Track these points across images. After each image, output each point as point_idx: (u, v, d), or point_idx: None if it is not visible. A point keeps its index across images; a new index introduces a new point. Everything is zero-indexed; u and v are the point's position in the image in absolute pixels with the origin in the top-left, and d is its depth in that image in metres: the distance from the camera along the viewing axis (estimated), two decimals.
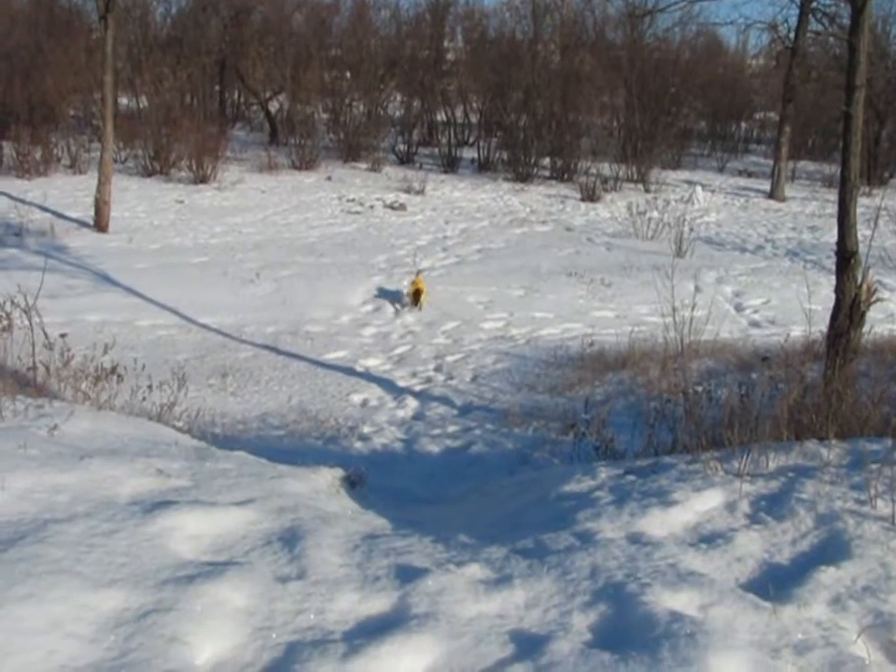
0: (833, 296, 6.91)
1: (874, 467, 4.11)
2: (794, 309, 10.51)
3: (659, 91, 24.66)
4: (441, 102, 26.81)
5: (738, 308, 13.30)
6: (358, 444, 8.13)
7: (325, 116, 26.47)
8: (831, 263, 14.65)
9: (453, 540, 3.80)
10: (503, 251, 16.52)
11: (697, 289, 12.21)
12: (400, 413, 9.16)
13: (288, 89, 26.11)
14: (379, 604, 3.09)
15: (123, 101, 24.40)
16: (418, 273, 13.68)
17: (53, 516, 3.35)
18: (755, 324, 12.55)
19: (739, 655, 2.73)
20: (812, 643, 2.92)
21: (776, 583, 3.23)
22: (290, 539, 3.48)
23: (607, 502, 4.12)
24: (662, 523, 3.82)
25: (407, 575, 3.26)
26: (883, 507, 3.86)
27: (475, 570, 3.33)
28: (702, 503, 3.99)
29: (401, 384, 10.02)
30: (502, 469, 7.15)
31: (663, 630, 2.82)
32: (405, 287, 13.38)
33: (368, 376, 10.21)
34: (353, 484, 5.26)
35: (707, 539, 3.68)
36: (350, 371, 10.26)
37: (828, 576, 3.30)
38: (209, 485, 4.01)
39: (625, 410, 8.48)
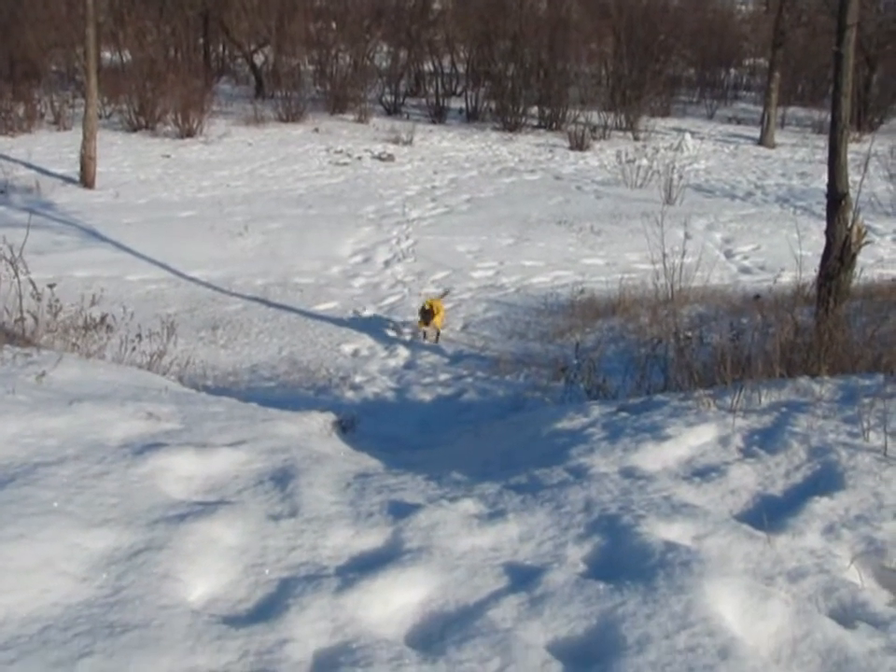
0: (822, 242, 6.88)
1: (866, 401, 4.12)
2: (784, 255, 10.47)
3: (647, 39, 24.38)
4: (428, 52, 26.50)
5: (728, 254, 13.28)
6: (350, 394, 8.12)
7: (311, 68, 26.17)
8: (821, 209, 14.62)
9: (445, 478, 3.80)
10: (492, 200, 16.42)
11: (687, 236, 12.15)
12: (392, 363, 9.15)
13: (273, 41, 25.76)
14: (372, 539, 3.09)
15: (106, 55, 24.03)
16: (442, 294, 11.07)
17: (43, 459, 3.33)
18: (745, 270, 12.53)
19: (734, 582, 2.73)
20: (806, 570, 2.94)
21: (769, 514, 3.24)
22: (282, 479, 3.47)
23: (599, 438, 4.12)
24: (655, 457, 3.82)
25: (400, 511, 3.25)
26: (875, 439, 3.87)
27: (468, 506, 3.33)
28: (695, 438, 3.99)
29: (392, 333, 9.99)
30: (494, 415, 7.15)
31: (657, 560, 2.82)
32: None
33: (358, 326, 10.17)
34: (344, 429, 5.26)
35: (701, 472, 3.68)
36: (341, 322, 10.22)
37: (821, 506, 3.31)
38: (200, 428, 3.99)
39: (616, 356, 8.48)
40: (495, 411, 7.38)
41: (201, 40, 26.90)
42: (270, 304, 10.75)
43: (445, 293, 11.17)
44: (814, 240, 10.20)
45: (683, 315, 9.48)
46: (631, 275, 11.24)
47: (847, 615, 2.73)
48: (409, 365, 9.06)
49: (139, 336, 6.74)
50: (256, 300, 10.93)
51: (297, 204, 15.54)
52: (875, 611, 2.75)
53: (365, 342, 9.68)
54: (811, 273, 7.16)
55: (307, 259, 12.52)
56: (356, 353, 9.37)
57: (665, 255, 9.58)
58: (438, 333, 9.88)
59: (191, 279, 11.59)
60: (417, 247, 13.26)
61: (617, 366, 7.39)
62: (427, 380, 8.53)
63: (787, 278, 11.09)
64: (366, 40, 25.62)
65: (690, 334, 6.18)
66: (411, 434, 6.77)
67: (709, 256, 12.13)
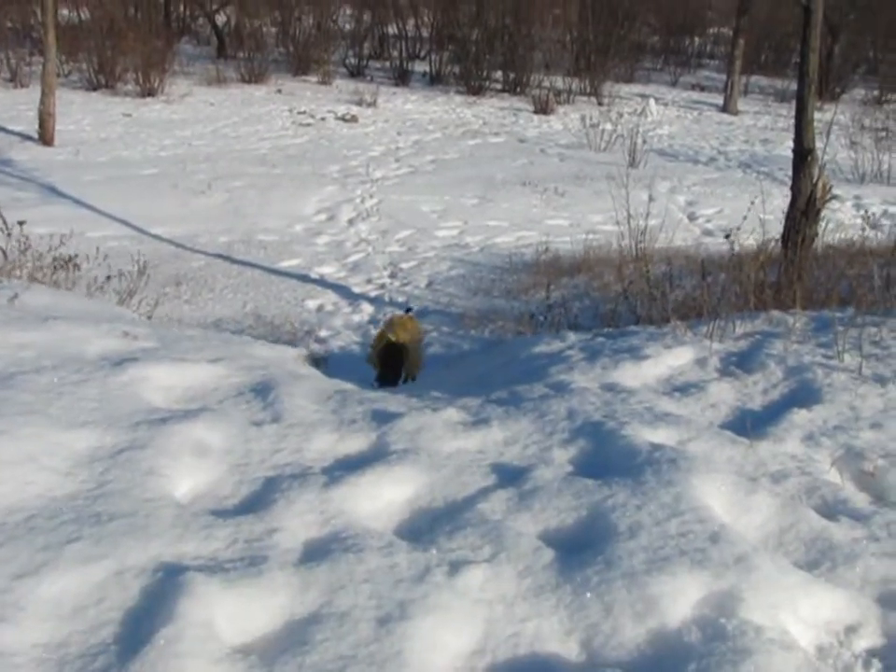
0: (784, 206, 6.93)
1: (840, 328, 4.16)
2: (747, 218, 10.56)
3: (612, 4, 24.36)
4: (392, 15, 26.28)
5: (691, 217, 13.34)
6: (315, 346, 8.08)
7: (273, 29, 25.87)
8: (783, 175, 14.81)
9: (425, 395, 3.80)
10: (456, 162, 16.37)
11: (651, 199, 12.18)
12: (356, 318, 9.12)
13: (236, 1, 25.45)
14: (356, 444, 3.08)
15: (64, 12, 23.56)
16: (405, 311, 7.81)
17: (20, 369, 3.28)
18: (708, 233, 12.59)
19: (720, 478, 2.76)
20: (788, 472, 2.97)
21: (750, 424, 3.27)
22: (262, 391, 3.45)
23: (578, 359, 4.13)
24: (634, 375, 3.84)
25: (383, 418, 3.25)
26: (850, 361, 3.92)
27: (451, 414, 3.33)
28: (673, 359, 4.02)
29: (356, 290, 9.95)
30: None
31: (644, 458, 2.84)
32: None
33: (322, 283, 10.12)
34: (316, 363, 5.24)
35: (681, 388, 3.71)
36: (305, 279, 10.17)
37: (800, 417, 3.35)
38: (177, 346, 3.95)
39: (581, 312, 8.50)
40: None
41: None
42: (234, 261, 10.66)
43: (409, 311, 7.81)
44: (776, 204, 10.23)
45: (643, 274, 9.51)
46: (595, 236, 11.24)
47: (830, 510, 2.77)
48: (373, 320, 9.03)
49: (108, 277, 6.66)
50: (219, 256, 10.83)
51: (260, 163, 15.40)
52: (857, 507, 2.79)
53: (329, 297, 9.64)
54: (774, 235, 7.21)
55: (271, 217, 12.43)
56: (320, 308, 9.33)
57: (629, 215, 9.60)
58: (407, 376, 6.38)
59: (154, 236, 11.45)
60: (381, 206, 13.20)
61: (583, 321, 7.41)
62: None
63: (750, 240, 11.16)
64: (329, 2, 25.34)
65: (661, 273, 6.20)
66: None
67: (673, 218, 12.15)
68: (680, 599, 2.26)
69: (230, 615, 2.15)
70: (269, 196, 13.35)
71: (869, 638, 2.29)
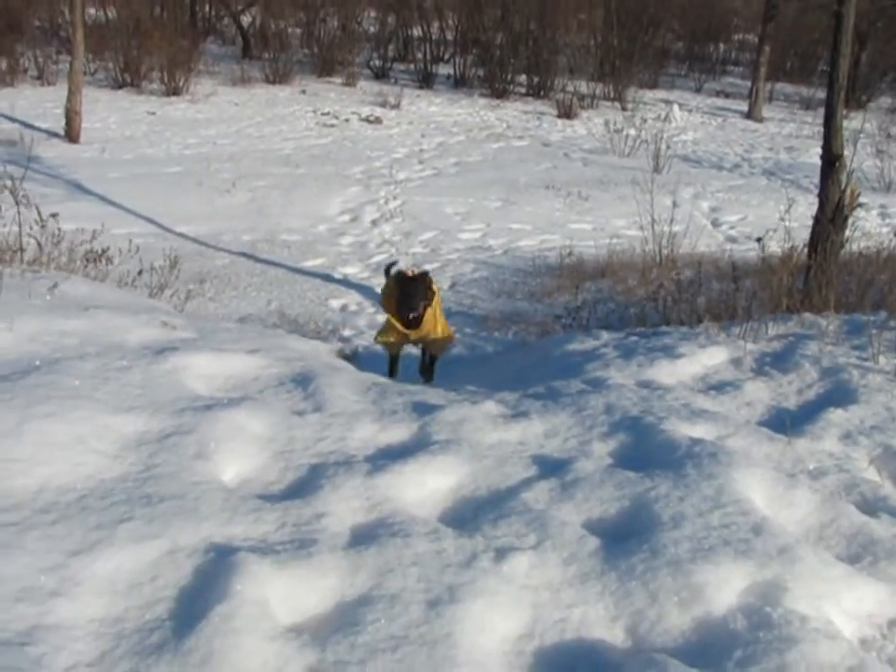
0: (809, 213, 6.92)
1: (874, 331, 4.17)
2: (771, 226, 10.54)
3: (637, 10, 24.34)
4: (417, 17, 26.33)
5: (715, 223, 13.32)
6: (341, 346, 8.12)
7: (298, 30, 25.96)
8: (808, 183, 14.79)
9: (462, 390, 3.83)
10: (480, 164, 16.40)
11: (675, 204, 12.15)
12: (380, 318, 9.13)
13: (261, 2, 25.56)
14: (399, 434, 3.12)
15: (91, 12, 23.73)
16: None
17: (64, 355, 3.32)
18: (732, 239, 12.57)
19: (760, 473, 2.79)
20: (826, 469, 3.00)
21: (787, 422, 3.28)
22: (302, 381, 3.49)
23: (613, 356, 4.16)
24: (670, 373, 3.87)
25: (424, 409, 3.28)
26: (885, 363, 3.94)
27: (491, 407, 3.36)
28: (708, 358, 4.04)
29: (380, 290, 9.97)
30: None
31: (684, 452, 2.87)
32: None
33: (346, 283, 10.16)
34: (347, 358, 5.27)
35: (716, 387, 3.74)
36: (328, 278, 10.20)
37: (837, 416, 3.37)
38: (214, 337, 3.99)
39: (605, 316, 8.51)
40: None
41: None
42: (257, 260, 10.71)
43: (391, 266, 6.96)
44: (801, 211, 10.25)
45: (672, 277, 9.52)
46: (618, 240, 11.24)
47: (870, 507, 2.80)
48: None
49: (140, 272, 6.72)
50: (243, 255, 10.87)
51: (284, 163, 15.47)
52: None
53: (353, 297, 9.67)
54: (800, 243, 7.20)
55: (294, 217, 12.48)
56: (344, 308, 9.37)
57: (653, 220, 9.60)
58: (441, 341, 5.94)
59: (178, 234, 11.51)
60: (405, 208, 13.23)
61: (609, 323, 7.42)
62: None
63: (774, 247, 11.14)
64: (354, 3, 25.41)
65: (689, 277, 6.22)
66: (406, 379, 6.77)
67: (696, 224, 12.14)
68: (725, 588, 2.29)
69: (281, 595, 2.19)
70: (292, 196, 13.40)
71: None
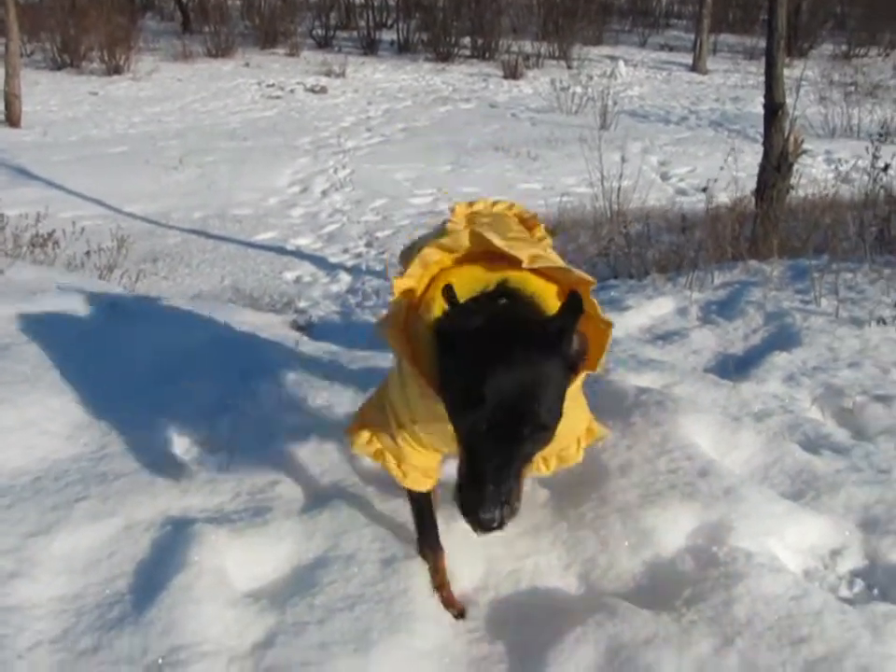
0: (756, 162, 6.99)
1: (816, 275, 4.24)
2: (719, 177, 10.64)
3: None
4: None
5: (664, 177, 13.38)
6: (294, 317, 8.11)
7: (238, 2, 25.62)
8: (755, 132, 14.87)
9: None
10: (428, 129, 16.35)
11: (623, 160, 12.15)
12: (334, 288, 9.12)
13: None
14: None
15: None
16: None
17: (13, 341, 3.31)
18: (682, 192, 12.63)
19: (706, 418, 2.85)
20: (771, 411, 3.06)
21: (732, 367, 3.35)
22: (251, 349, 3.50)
23: None
24: (617, 325, 3.90)
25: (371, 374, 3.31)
26: (827, 305, 4.01)
27: None
28: (655, 308, 4.11)
29: (333, 260, 9.94)
30: None
31: (632, 401, 2.91)
32: None
33: (299, 254, 10.12)
34: (302, 329, 5.28)
35: (663, 336, 3.80)
36: (281, 251, 10.15)
37: (781, 359, 3.44)
38: (162, 315, 3.99)
39: None
40: None
41: None
42: (209, 236, 10.62)
43: None
44: (748, 161, 10.32)
45: (621, 231, 9.57)
46: (569, 198, 11.27)
47: (813, 445, 2.87)
48: (351, 290, 9.02)
49: (87, 252, 6.66)
50: (195, 232, 10.79)
51: (231, 138, 15.33)
52: (838, 441, 2.90)
53: (307, 268, 9.64)
54: (747, 192, 7.26)
55: (244, 191, 12.38)
56: (298, 279, 9.33)
57: (602, 176, 9.63)
58: None
59: (128, 214, 11.39)
60: (354, 176, 13.18)
61: None
62: (371, 302, 8.51)
63: (724, 197, 11.23)
64: None
65: (638, 231, 6.27)
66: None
67: (646, 178, 12.18)
68: (673, 530, 2.36)
69: (240, 562, 2.22)
70: (241, 170, 13.29)
71: (852, 560, 2.40)
